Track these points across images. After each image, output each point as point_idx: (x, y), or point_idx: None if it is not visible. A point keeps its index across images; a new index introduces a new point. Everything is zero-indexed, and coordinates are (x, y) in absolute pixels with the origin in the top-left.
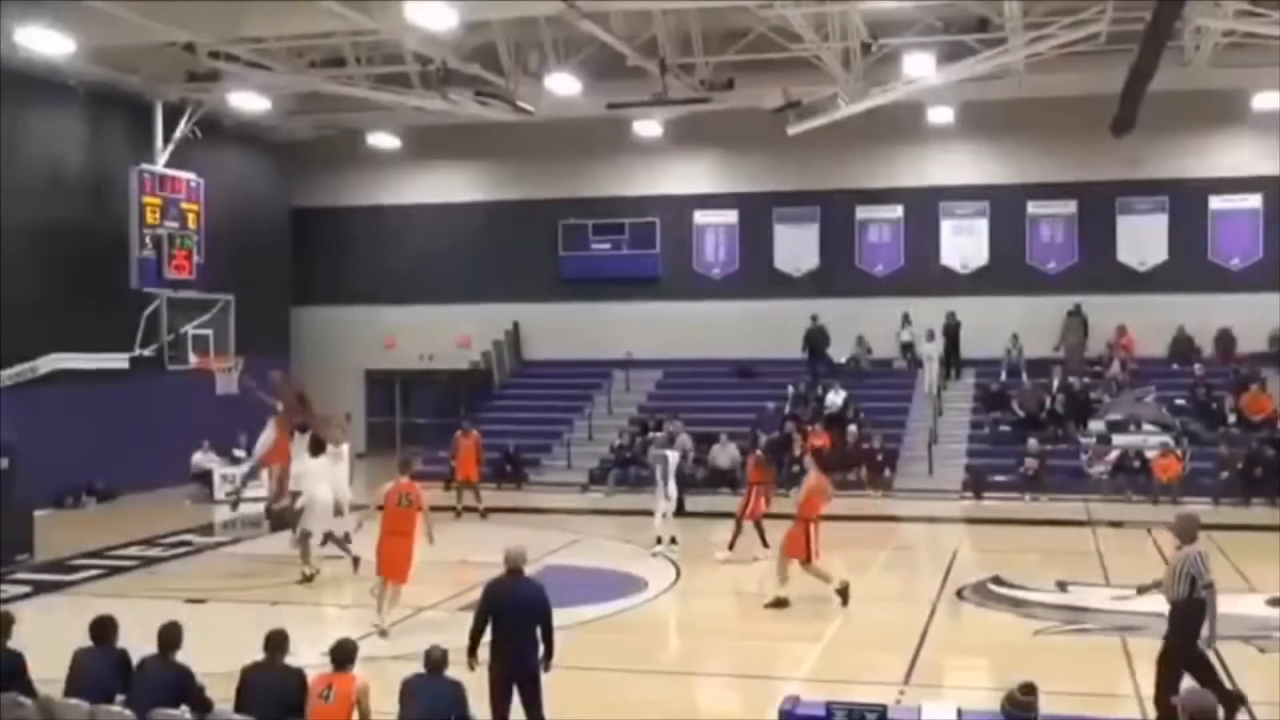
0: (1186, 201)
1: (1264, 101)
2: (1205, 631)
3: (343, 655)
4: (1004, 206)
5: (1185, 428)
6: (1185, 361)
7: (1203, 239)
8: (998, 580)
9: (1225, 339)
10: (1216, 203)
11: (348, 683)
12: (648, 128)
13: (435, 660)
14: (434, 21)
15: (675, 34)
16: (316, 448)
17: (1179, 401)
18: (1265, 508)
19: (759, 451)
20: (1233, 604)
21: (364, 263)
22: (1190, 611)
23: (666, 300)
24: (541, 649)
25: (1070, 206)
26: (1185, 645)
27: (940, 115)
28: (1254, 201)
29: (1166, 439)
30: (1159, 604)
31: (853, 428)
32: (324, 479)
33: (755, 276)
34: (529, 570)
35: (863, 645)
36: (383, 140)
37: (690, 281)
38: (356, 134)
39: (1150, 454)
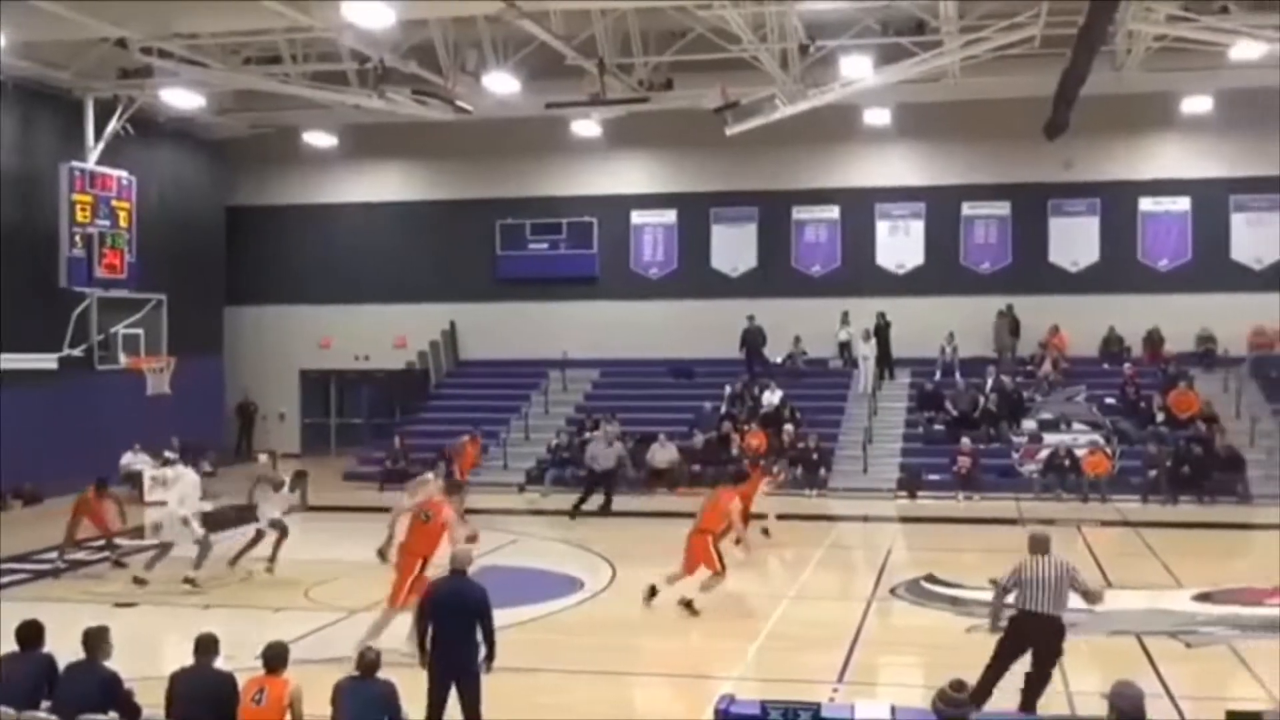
0: (1117, 203)
1: (1193, 105)
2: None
3: (274, 658)
4: (939, 207)
5: (1115, 426)
6: (1115, 361)
7: (1133, 241)
8: (931, 578)
9: (1154, 339)
10: (1146, 205)
11: (280, 686)
12: (586, 127)
13: (368, 662)
14: (371, 19)
15: (614, 34)
16: None
17: (1109, 400)
18: (1192, 505)
19: None
20: (1159, 599)
21: (299, 262)
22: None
23: (604, 300)
24: (483, 650)
25: (1004, 208)
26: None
27: (877, 117)
28: (1183, 204)
29: (1096, 437)
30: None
31: (789, 427)
32: (171, 490)
33: (693, 276)
34: (469, 571)
35: (798, 644)
36: (319, 138)
37: (628, 281)
38: (292, 132)
39: (1080, 452)
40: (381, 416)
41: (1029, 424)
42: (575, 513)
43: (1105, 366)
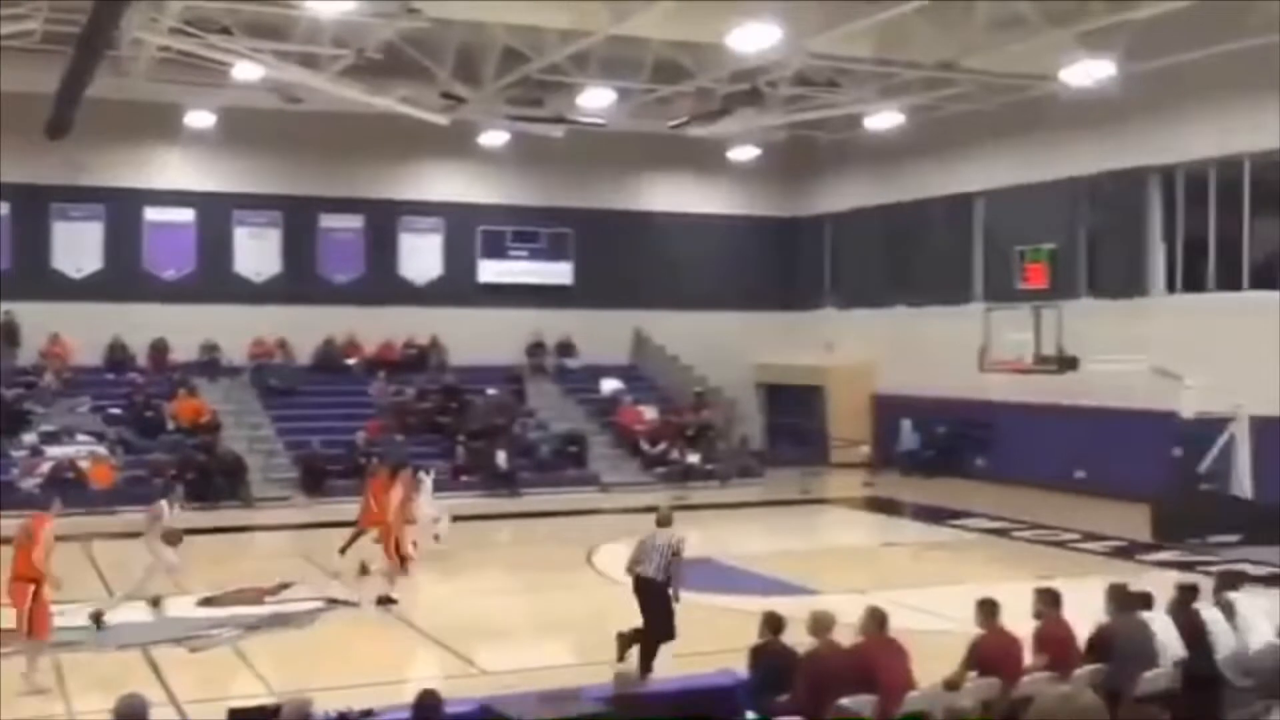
0: (123, 211)
1: (196, 119)
2: None
3: None
4: None
5: (121, 436)
6: (121, 370)
7: (138, 249)
8: None
9: (160, 348)
10: (152, 214)
11: None
12: None
13: None
14: None
15: None
16: None
17: (115, 410)
18: (199, 510)
19: None
20: (166, 609)
21: None
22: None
23: None
24: None
25: (2, 209)
26: None
27: None
28: (188, 215)
29: (100, 448)
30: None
31: None
32: None
33: None
34: None
35: None
36: None
37: None
38: None
39: (84, 463)
40: None
41: (30, 437)
42: None
43: (111, 376)
